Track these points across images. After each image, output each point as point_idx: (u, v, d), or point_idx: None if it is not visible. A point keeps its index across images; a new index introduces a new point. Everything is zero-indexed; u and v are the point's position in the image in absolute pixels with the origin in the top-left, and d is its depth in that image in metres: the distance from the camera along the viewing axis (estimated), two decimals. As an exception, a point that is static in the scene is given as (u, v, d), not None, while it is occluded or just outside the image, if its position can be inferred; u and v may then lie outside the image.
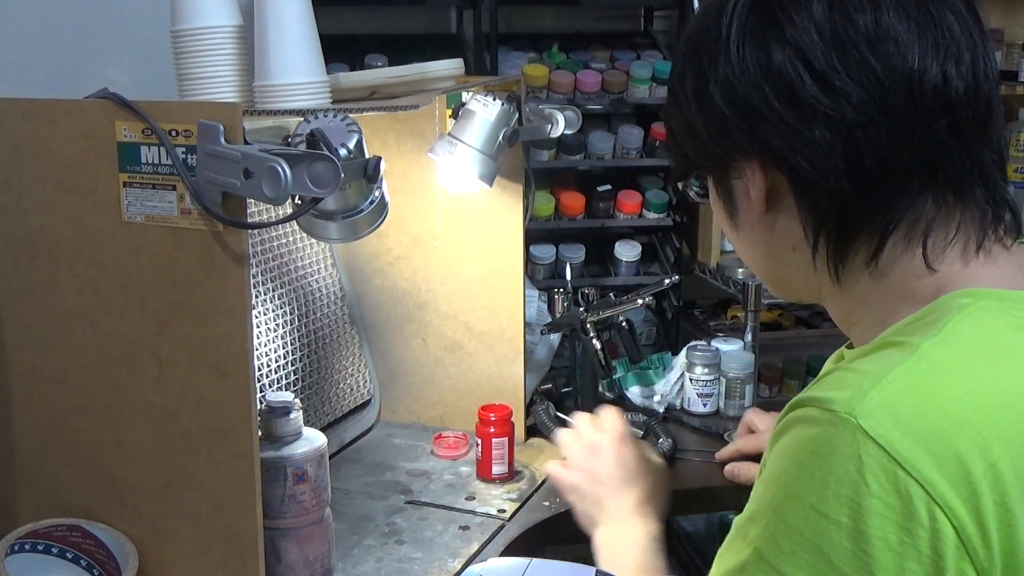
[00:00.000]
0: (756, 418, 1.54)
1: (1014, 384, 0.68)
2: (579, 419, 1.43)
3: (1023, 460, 0.64)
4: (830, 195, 0.76)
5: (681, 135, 0.84)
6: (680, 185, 0.93)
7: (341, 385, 1.70)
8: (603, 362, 1.67)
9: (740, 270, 2.53)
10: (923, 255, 0.76)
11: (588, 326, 1.67)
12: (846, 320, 0.84)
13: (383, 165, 1.10)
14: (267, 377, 1.50)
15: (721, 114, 0.78)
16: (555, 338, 1.83)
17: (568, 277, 1.82)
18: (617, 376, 1.84)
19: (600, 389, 1.75)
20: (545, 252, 2.80)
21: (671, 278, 1.75)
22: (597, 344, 1.67)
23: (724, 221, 0.88)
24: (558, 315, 1.74)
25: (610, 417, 1.40)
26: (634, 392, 1.83)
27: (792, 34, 0.74)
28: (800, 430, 0.70)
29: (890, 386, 0.67)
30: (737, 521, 0.76)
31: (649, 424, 1.71)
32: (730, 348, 1.91)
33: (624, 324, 1.70)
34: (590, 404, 1.72)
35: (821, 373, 0.80)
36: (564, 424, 1.69)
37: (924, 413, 0.65)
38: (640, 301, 1.68)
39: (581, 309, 1.68)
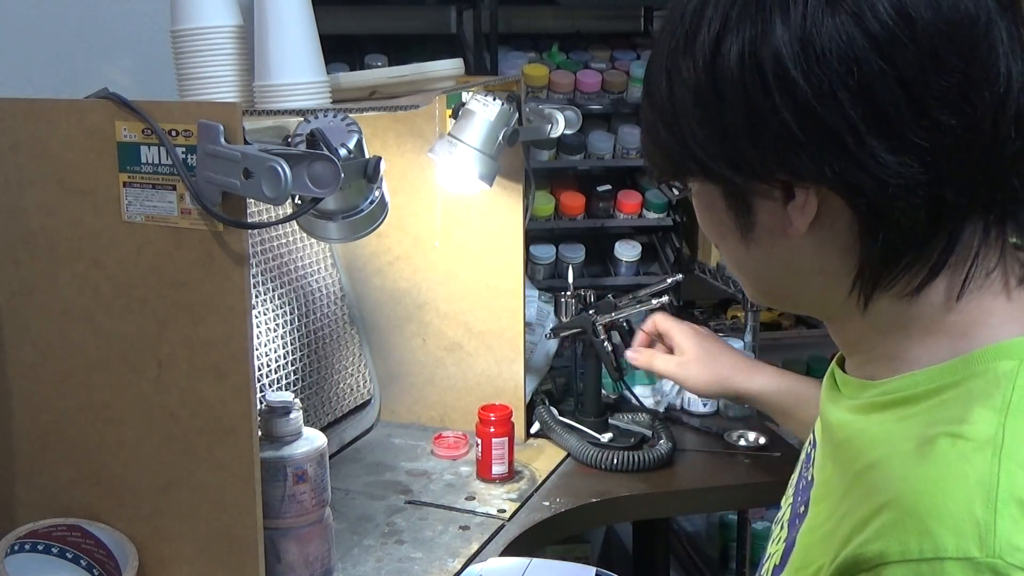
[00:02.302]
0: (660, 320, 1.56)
1: None
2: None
3: None
4: (900, 228, 0.67)
5: (698, 137, 0.71)
6: (660, 184, 0.81)
7: (341, 385, 1.70)
8: (616, 364, 1.67)
9: (740, 270, 2.52)
10: (961, 289, 0.69)
11: (599, 328, 1.66)
12: (854, 345, 0.77)
13: (383, 165, 1.10)
14: (267, 377, 1.50)
15: (788, 136, 0.66)
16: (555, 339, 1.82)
17: (570, 279, 1.82)
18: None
19: (603, 390, 1.75)
20: (545, 252, 2.79)
21: (675, 277, 1.75)
22: (608, 346, 1.66)
23: (727, 232, 0.76)
24: (564, 318, 1.74)
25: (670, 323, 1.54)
26: (638, 392, 1.83)
27: (889, 52, 0.64)
28: None
29: (1007, 508, 0.60)
30: None
31: (655, 424, 1.71)
32: (730, 348, 1.91)
33: (625, 325, 1.70)
34: (593, 405, 1.72)
35: (822, 412, 0.76)
36: (566, 426, 1.69)
37: None
38: (655, 302, 1.68)
39: (591, 312, 1.68)
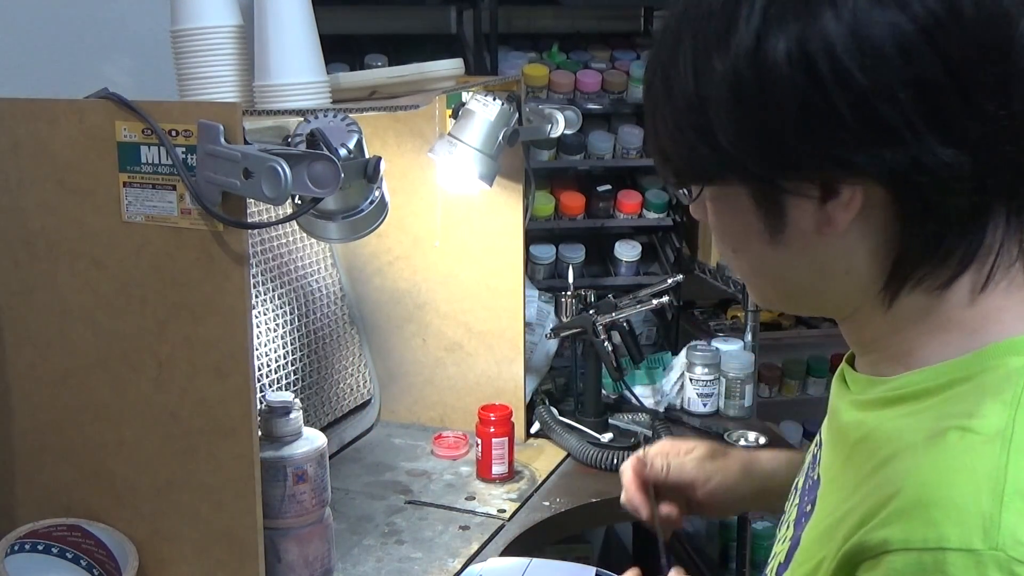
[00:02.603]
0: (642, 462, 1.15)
1: None
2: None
3: None
4: (944, 220, 0.67)
5: (732, 136, 0.68)
6: (675, 188, 0.78)
7: (341, 385, 1.70)
8: (616, 364, 1.67)
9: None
10: (985, 282, 0.69)
11: (599, 328, 1.66)
12: (868, 344, 0.76)
13: (383, 165, 1.10)
14: (267, 377, 1.50)
15: (844, 130, 0.64)
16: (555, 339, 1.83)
17: (571, 279, 1.82)
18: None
19: (603, 390, 1.75)
20: (545, 252, 2.80)
21: (675, 277, 1.75)
22: (609, 346, 1.66)
23: (752, 235, 0.73)
24: (565, 318, 1.74)
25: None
26: (638, 392, 1.83)
27: (939, 41, 0.64)
28: None
29: (1013, 502, 0.60)
30: None
31: (655, 424, 1.71)
32: (730, 348, 1.91)
33: (625, 325, 1.70)
34: (593, 405, 1.72)
35: (832, 411, 0.75)
36: (566, 426, 1.69)
37: None
38: (655, 302, 1.68)
39: (592, 312, 1.68)
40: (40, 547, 1.11)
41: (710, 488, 1.09)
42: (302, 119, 1.07)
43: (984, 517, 0.59)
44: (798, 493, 0.83)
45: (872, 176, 0.66)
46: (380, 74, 1.39)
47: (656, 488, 1.11)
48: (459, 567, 1.30)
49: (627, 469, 1.13)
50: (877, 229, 0.69)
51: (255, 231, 1.46)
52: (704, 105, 0.68)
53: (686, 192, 0.76)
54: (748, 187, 0.71)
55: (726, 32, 0.67)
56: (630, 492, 1.11)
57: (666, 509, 1.11)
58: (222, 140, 0.97)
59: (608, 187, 2.85)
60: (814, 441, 0.86)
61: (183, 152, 1.00)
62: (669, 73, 0.71)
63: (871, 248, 0.70)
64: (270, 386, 1.50)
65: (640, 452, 1.13)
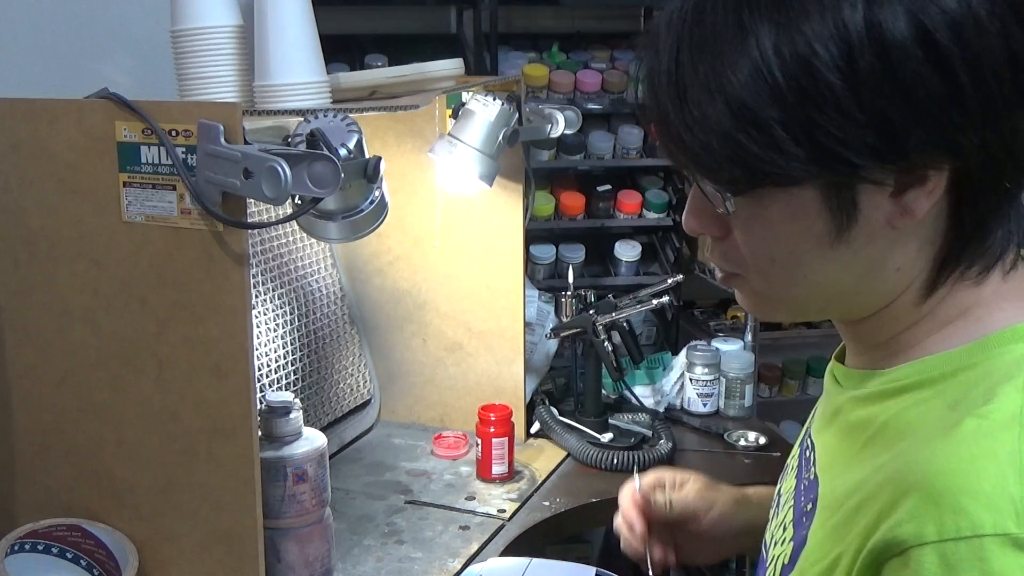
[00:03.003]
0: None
1: None
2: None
3: None
4: (991, 204, 0.67)
5: (827, 125, 0.62)
6: (728, 194, 0.69)
7: (341, 385, 1.70)
8: (616, 364, 1.67)
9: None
10: (1011, 268, 0.69)
11: (599, 328, 1.66)
12: (879, 342, 0.74)
13: (383, 165, 1.10)
14: (267, 377, 1.50)
15: (962, 107, 0.62)
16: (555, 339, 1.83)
17: (570, 279, 1.82)
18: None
19: (603, 390, 1.75)
20: (545, 252, 2.80)
21: (675, 277, 1.75)
22: (609, 346, 1.66)
23: (804, 239, 0.68)
24: (565, 318, 1.74)
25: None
26: (638, 392, 1.83)
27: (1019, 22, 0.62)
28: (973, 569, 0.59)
29: None
30: None
31: (655, 424, 1.71)
32: (730, 348, 1.91)
33: (625, 325, 1.70)
34: (593, 405, 1.72)
35: (828, 411, 0.75)
36: (566, 426, 1.69)
37: None
38: (655, 302, 1.68)
39: (592, 312, 1.68)
40: (40, 547, 1.11)
41: (712, 517, 1.05)
42: (302, 119, 1.07)
43: (1015, 501, 0.59)
44: (791, 495, 0.83)
45: (970, 158, 0.64)
46: (380, 74, 1.39)
47: (650, 525, 1.07)
48: (459, 567, 1.30)
49: (627, 504, 1.07)
50: (930, 220, 0.68)
51: (255, 231, 1.46)
52: (784, 99, 0.62)
53: (723, 197, 0.69)
54: (822, 184, 0.66)
55: (820, 15, 0.61)
56: (630, 525, 1.06)
57: (658, 550, 1.07)
58: (222, 140, 0.97)
59: (608, 187, 2.85)
60: (799, 443, 0.86)
61: (183, 152, 1.00)
62: (717, 69, 0.64)
63: (924, 239, 0.69)
64: (270, 386, 1.50)
65: (635, 484, 1.08)
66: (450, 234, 1.67)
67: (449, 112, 1.56)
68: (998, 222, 0.68)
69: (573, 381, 1.82)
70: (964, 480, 0.60)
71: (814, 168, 0.64)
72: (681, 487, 1.07)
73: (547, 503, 1.50)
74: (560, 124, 1.64)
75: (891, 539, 0.61)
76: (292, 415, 1.19)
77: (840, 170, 0.64)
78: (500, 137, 1.49)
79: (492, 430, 1.54)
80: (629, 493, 1.08)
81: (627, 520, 1.07)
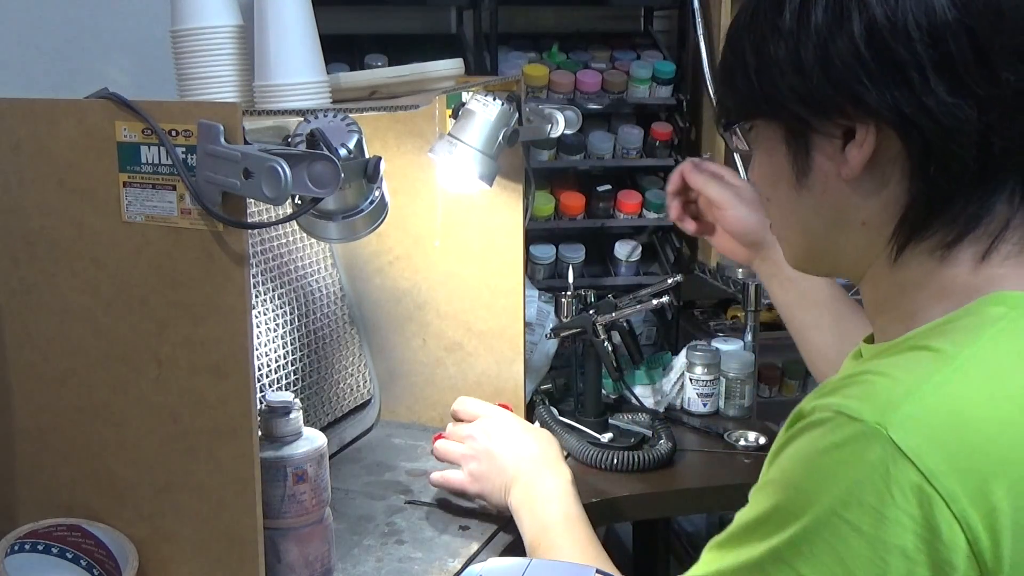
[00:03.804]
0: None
1: None
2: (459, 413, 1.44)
3: None
4: (949, 171, 0.72)
5: (769, 71, 0.76)
6: (724, 130, 0.85)
7: (341, 385, 1.70)
8: (616, 364, 1.67)
9: (740, 270, 2.52)
10: (987, 252, 0.74)
11: (599, 328, 1.66)
12: (879, 306, 0.81)
13: (383, 165, 1.10)
14: (267, 377, 1.50)
15: (858, 61, 0.71)
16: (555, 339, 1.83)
17: (570, 279, 1.82)
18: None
19: (603, 390, 1.75)
20: (545, 252, 2.79)
21: (675, 277, 1.75)
22: (609, 346, 1.66)
23: (782, 179, 0.80)
24: (565, 318, 1.73)
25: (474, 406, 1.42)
26: (638, 392, 1.83)
27: (962, 2, 0.69)
28: (821, 436, 0.69)
29: (924, 400, 0.66)
30: (742, 520, 0.75)
31: (655, 424, 1.71)
32: (730, 348, 1.91)
33: (625, 325, 1.70)
34: (593, 405, 1.72)
35: (843, 373, 0.79)
36: (566, 426, 1.69)
37: (955, 430, 0.65)
38: (655, 302, 1.68)
39: (592, 312, 1.68)
40: (40, 547, 1.11)
41: (728, 216, 1.25)
42: (302, 119, 1.07)
43: (891, 402, 0.66)
44: None
45: (883, 116, 0.71)
46: (380, 74, 1.39)
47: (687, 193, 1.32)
48: (459, 567, 1.30)
49: (686, 168, 1.30)
50: (887, 180, 0.75)
51: (255, 231, 1.46)
52: (752, 40, 0.78)
53: (736, 135, 0.84)
54: (782, 129, 0.78)
55: None
56: (673, 185, 1.32)
57: (676, 206, 1.34)
58: (222, 140, 0.97)
59: (608, 187, 2.85)
60: None
61: (183, 152, 1.00)
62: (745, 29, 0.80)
63: (885, 199, 0.75)
64: (270, 386, 1.50)
65: (698, 160, 1.31)
66: (450, 234, 1.67)
67: (449, 112, 1.56)
68: (958, 200, 0.73)
69: (573, 381, 1.82)
70: (871, 382, 0.69)
71: (764, 107, 0.78)
72: (730, 190, 1.27)
73: (547, 503, 1.49)
74: (560, 124, 1.64)
75: (800, 409, 0.74)
76: (292, 415, 1.19)
77: (781, 112, 0.77)
78: (500, 137, 1.49)
79: (492, 430, 1.53)
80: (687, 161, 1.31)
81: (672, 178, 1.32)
